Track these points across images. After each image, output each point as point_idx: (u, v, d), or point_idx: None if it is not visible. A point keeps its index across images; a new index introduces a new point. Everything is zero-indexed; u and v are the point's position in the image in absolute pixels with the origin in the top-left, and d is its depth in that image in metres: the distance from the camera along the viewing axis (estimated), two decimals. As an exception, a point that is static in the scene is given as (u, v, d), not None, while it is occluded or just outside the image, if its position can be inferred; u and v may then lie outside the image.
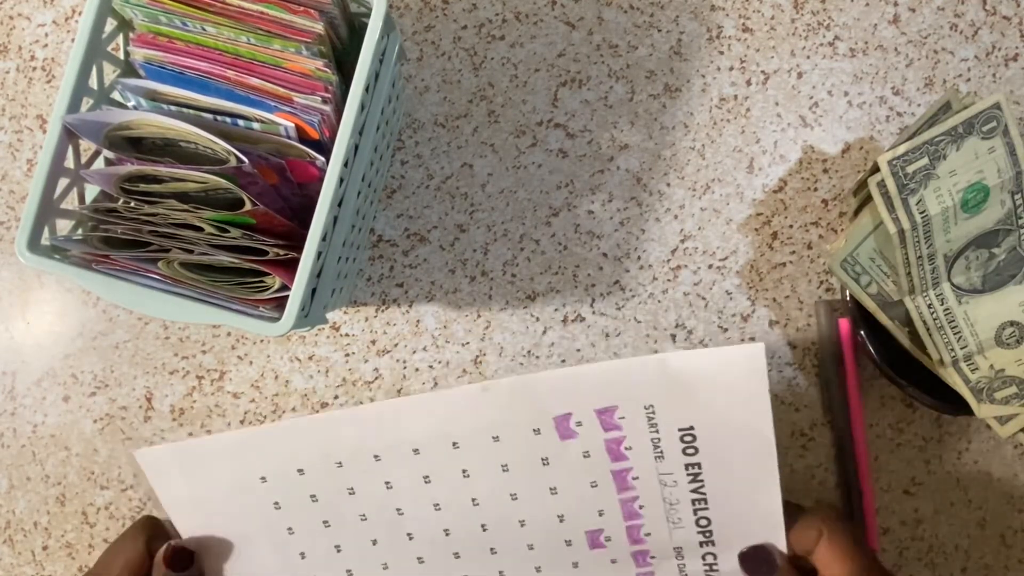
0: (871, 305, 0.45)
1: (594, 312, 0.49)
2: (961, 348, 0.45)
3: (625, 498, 0.42)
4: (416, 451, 0.41)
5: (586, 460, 0.41)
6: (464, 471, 0.42)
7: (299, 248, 0.34)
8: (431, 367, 0.50)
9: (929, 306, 0.45)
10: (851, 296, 0.46)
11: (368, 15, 0.35)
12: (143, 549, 0.41)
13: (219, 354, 0.50)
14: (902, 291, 0.44)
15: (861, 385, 0.49)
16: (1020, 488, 0.49)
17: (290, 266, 0.35)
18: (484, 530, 0.42)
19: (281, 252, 0.35)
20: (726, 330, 0.49)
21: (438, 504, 0.42)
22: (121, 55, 0.38)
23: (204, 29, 0.35)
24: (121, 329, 0.50)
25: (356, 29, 0.40)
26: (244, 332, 0.50)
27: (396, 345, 0.50)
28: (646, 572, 0.43)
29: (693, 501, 0.41)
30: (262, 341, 0.50)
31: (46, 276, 0.50)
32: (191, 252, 0.35)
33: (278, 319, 0.34)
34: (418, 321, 0.50)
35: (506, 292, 0.50)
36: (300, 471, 0.42)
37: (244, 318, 0.34)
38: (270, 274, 0.35)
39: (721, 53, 0.50)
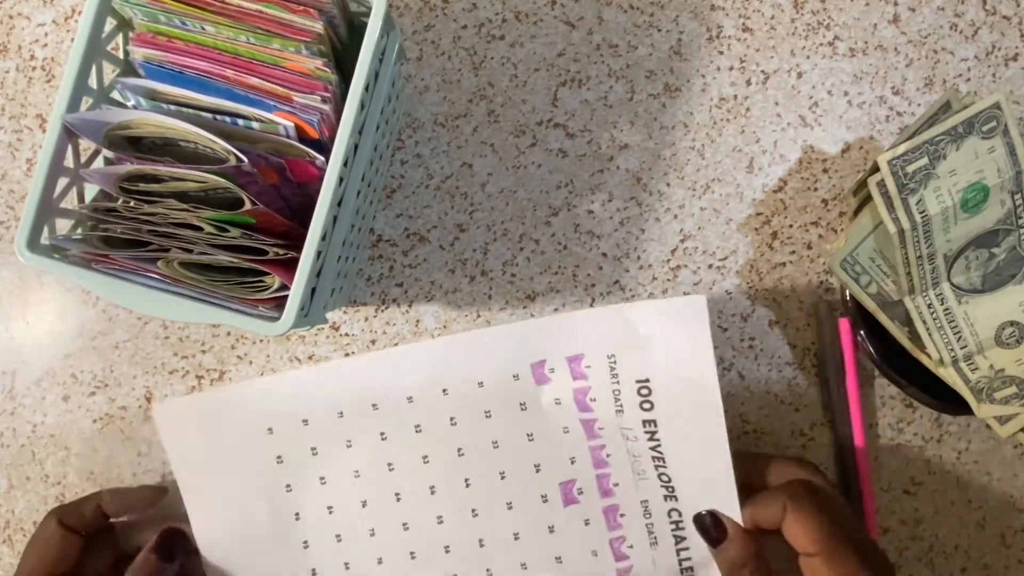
0: (871, 305, 0.45)
1: (594, 312, 0.49)
2: (961, 348, 0.45)
3: (594, 445, 0.44)
4: (410, 399, 0.44)
5: (558, 406, 0.44)
6: (452, 419, 0.44)
7: (299, 248, 0.34)
8: (431, 367, 0.50)
9: (929, 306, 0.45)
10: (851, 296, 0.46)
11: (368, 14, 0.35)
12: (56, 530, 0.42)
13: (219, 354, 0.50)
14: (902, 291, 0.44)
15: (861, 385, 0.49)
16: (1020, 488, 0.49)
17: (290, 266, 0.35)
18: (467, 485, 0.45)
19: (281, 252, 0.35)
20: (726, 330, 0.49)
21: (426, 457, 0.45)
22: (121, 54, 0.38)
23: (203, 28, 0.35)
24: (121, 329, 0.50)
25: (356, 28, 0.40)
26: (244, 332, 0.50)
27: (396, 345, 0.50)
28: (618, 537, 0.45)
29: (653, 458, 0.43)
30: (262, 341, 0.50)
31: (46, 276, 0.50)
32: (191, 252, 0.35)
33: (278, 319, 0.34)
34: (418, 321, 0.50)
35: (506, 292, 0.50)
36: (304, 421, 0.44)
37: (244, 318, 0.34)
38: (270, 274, 0.35)
39: (721, 53, 0.50)
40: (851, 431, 0.48)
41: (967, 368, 0.45)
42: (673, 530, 0.44)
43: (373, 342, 0.50)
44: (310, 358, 0.50)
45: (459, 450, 0.45)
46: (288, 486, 0.45)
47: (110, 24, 0.36)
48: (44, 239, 0.35)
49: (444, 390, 0.44)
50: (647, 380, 0.42)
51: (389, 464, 0.45)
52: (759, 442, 0.49)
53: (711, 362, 0.41)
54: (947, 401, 0.45)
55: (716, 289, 0.49)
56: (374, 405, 0.44)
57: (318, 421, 0.44)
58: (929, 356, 0.45)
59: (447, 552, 0.45)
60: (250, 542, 0.44)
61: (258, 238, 0.35)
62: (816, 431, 0.49)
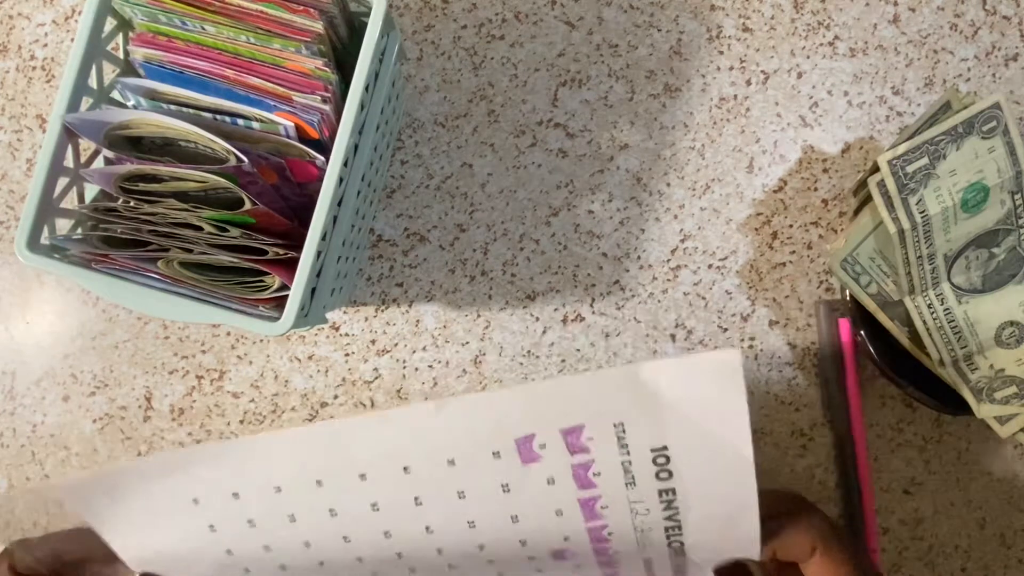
0: (871, 305, 0.45)
1: (594, 312, 0.49)
2: (961, 348, 0.45)
3: (593, 527, 0.39)
4: (363, 476, 0.38)
5: (550, 487, 0.37)
6: (416, 499, 0.38)
7: (299, 247, 0.34)
8: (431, 367, 0.50)
9: (929, 306, 0.45)
10: (851, 296, 0.46)
11: (368, 14, 0.35)
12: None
13: (219, 354, 0.50)
14: (902, 291, 0.44)
15: (861, 385, 0.49)
16: (1020, 488, 0.49)
17: (290, 265, 0.35)
18: (440, 553, 0.39)
19: (281, 251, 0.35)
20: (726, 330, 0.49)
21: (388, 532, 0.39)
22: (121, 54, 0.38)
23: (204, 28, 0.35)
24: (121, 329, 0.50)
25: (356, 28, 0.40)
26: (244, 332, 0.50)
27: (396, 345, 0.50)
28: (611, 574, 0.41)
29: (666, 529, 0.38)
30: (262, 341, 0.50)
31: (46, 276, 0.50)
32: (191, 251, 0.35)
33: (278, 318, 0.34)
34: (418, 321, 0.50)
35: (506, 292, 0.50)
36: (235, 495, 0.38)
37: (244, 317, 0.34)
38: (270, 273, 0.35)
39: (721, 53, 0.50)
40: (851, 431, 0.48)
41: (967, 368, 0.45)
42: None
43: (373, 342, 0.50)
44: (310, 358, 0.50)
45: (427, 527, 0.38)
46: (229, 551, 0.39)
47: (110, 24, 0.36)
48: (44, 239, 0.35)
49: (405, 468, 0.37)
50: (664, 448, 0.36)
51: (345, 537, 0.39)
52: (759, 442, 0.49)
53: (745, 425, 0.34)
54: (947, 401, 0.45)
55: (716, 289, 0.49)
56: (318, 482, 0.38)
57: (250, 496, 0.38)
58: (929, 356, 0.45)
59: None
60: None
61: (258, 238, 0.35)
62: (816, 431, 0.49)
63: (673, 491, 0.37)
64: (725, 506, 0.37)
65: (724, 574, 0.39)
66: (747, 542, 0.37)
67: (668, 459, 0.36)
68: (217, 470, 0.37)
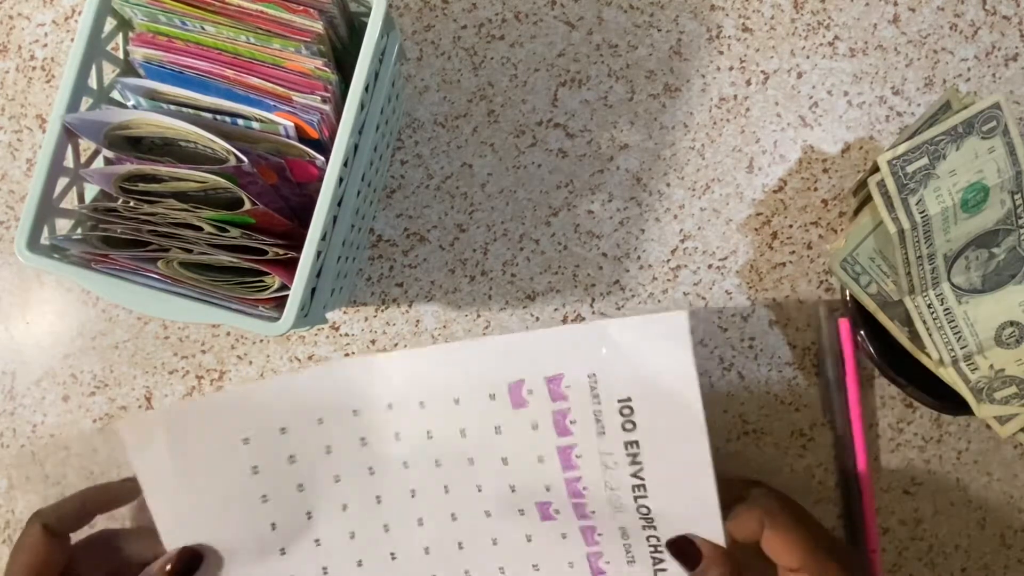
0: (871, 305, 0.45)
1: (594, 312, 0.49)
2: (961, 348, 0.45)
3: (569, 477, 0.43)
4: (389, 406, 0.43)
5: (534, 432, 0.42)
6: (428, 432, 0.43)
7: (299, 248, 0.34)
8: (431, 367, 0.50)
9: (929, 306, 0.45)
10: (851, 296, 0.46)
11: (368, 14, 0.35)
12: (40, 536, 0.41)
13: (219, 354, 0.50)
14: (902, 291, 0.44)
15: (861, 385, 0.49)
16: (1020, 488, 0.49)
17: (290, 266, 0.35)
18: (447, 492, 0.44)
19: (281, 252, 0.35)
20: (726, 330, 0.49)
21: (406, 463, 0.44)
22: (120, 54, 0.38)
23: (203, 28, 0.35)
24: (120, 329, 0.50)
25: (356, 28, 0.40)
26: (244, 332, 0.50)
27: (396, 345, 0.50)
28: (595, 552, 0.44)
29: (633, 487, 0.42)
30: (262, 341, 0.50)
31: (46, 276, 0.50)
32: (190, 251, 0.35)
33: (278, 319, 0.34)
34: (418, 321, 0.50)
35: (506, 292, 0.50)
36: (282, 430, 0.43)
37: (244, 318, 0.34)
38: (270, 273, 0.35)
39: (721, 53, 0.50)
40: (851, 431, 0.48)
41: (967, 368, 0.45)
42: (651, 552, 0.43)
43: (373, 342, 0.50)
44: (310, 358, 0.50)
45: (437, 461, 0.44)
46: (264, 496, 0.43)
47: (110, 24, 0.36)
48: (44, 239, 0.35)
49: (421, 403, 0.43)
50: (629, 399, 0.41)
51: (370, 468, 0.44)
52: (759, 442, 0.49)
53: (694, 381, 0.40)
54: (947, 401, 0.45)
55: (716, 289, 0.49)
56: (355, 411, 0.43)
57: (296, 428, 0.43)
58: (929, 356, 0.45)
59: (427, 553, 0.45)
60: (226, 555, 0.43)
61: (258, 238, 0.35)
62: (816, 431, 0.49)
63: (637, 443, 0.41)
64: (683, 462, 0.40)
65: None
66: (706, 506, 0.40)
67: (632, 410, 0.41)
68: (270, 405, 0.42)
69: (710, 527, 0.41)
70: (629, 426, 0.41)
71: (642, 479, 0.42)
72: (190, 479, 0.43)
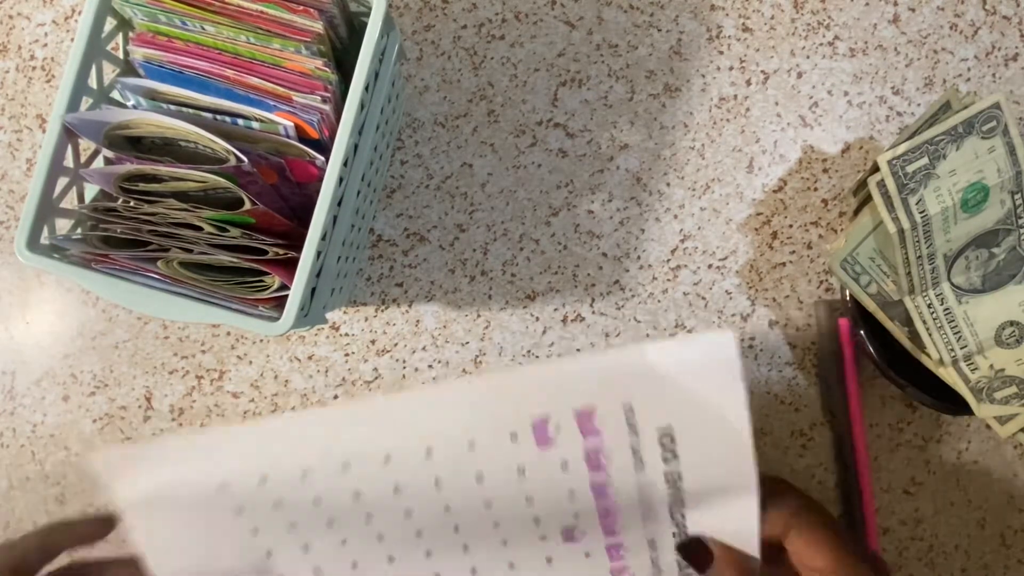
0: (871, 305, 0.45)
1: (594, 312, 0.49)
2: (961, 348, 0.45)
3: (603, 506, 0.40)
4: (387, 458, 0.39)
5: (564, 473, 0.39)
6: (436, 480, 0.39)
7: (299, 247, 0.34)
8: (431, 367, 0.50)
9: (929, 306, 0.45)
10: (851, 296, 0.46)
11: (368, 14, 0.35)
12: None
13: (218, 354, 0.50)
14: (902, 291, 0.44)
15: (861, 385, 0.49)
16: (1020, 488, 0.49)
17: (290, 265, 0.35)
18: (456, 531, 0.41)
19: (280, 251, 0.35)
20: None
21: (409, 511, 0.40)
22: (121, 54, 0.38)
23: (203, 28, 0.35)
24: (120, 329, 0.50)
25: (356, 28, 0.40)
26: (244, 332, 0.50)
27: (396, 345, 0.50)
28: (619, 567, 0.42)
29: (670, 506, 0.40)
30: (261, 341, 0.50)
31: (46, 276, 0.50)
32: (190, 251, 0.35)
33: (278, 318, 0.34)
34: (418, 321, 0.50)
35: (506, 292, 0.50)
36: (263, 479, 0.39)
37: (244, 317, 0.34)
38: (270, 273, 0.35)
39: (721, 53, 0.50)
40: (851, 431, 0.48)
41: (967, 368, 0.45)
42: (678, 561, 0.42)
43: (373, 342, 0.50)
44: (310, 358, 0.50)
45: (446, 507, 0.40)
46: (255, 529, 0.40)
47: (110, 24, 0.36)
48: (44, 239, 0.35)
49: (428, 450, 0.39)
50: (669, 427, 0.38)
51: (368, 515, 0.40)
52: (759, 442, 0.49)
53: (744, 410, 0.36)
54: (947, 401, 0.45)
55: (716, 289, 0.49)
56: (345, 464, 0.39)
57: (278, 478, 0.39)
58: (929, 356, 0.45)
59: None
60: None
61: (258, 238, 0.35)
62: (816, 431, 0.49)
63: (679, 475, 0.38)
64: (726, 486, 0.38)
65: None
66: (746, 531, 0.39)
67: (673, 440, 0.38)
68: (249, 453, 0.38)
69: (748, 547, 0.40)
70: (668, 456, 0.38)
71: (682, 500, 0.39)
72: (173, 513, 0.39)
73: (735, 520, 0.39)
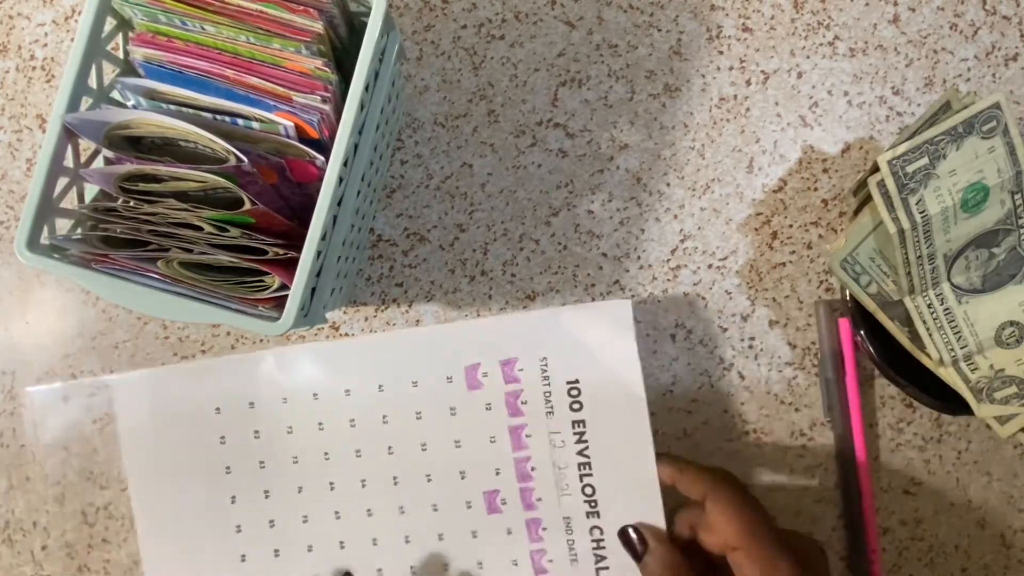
0: (871, 305, 0.45)
1: (594, 312, 0.49)
2: (961, 348, 0.45)
3: (519, 457, 0.46)
4: (347, 392, 0.46)
5: (487, 412, 0.46)
6: (384, 416, 0.46)
7: (298, 247, 0.34)
8: (431, 367, 0.50)
9: (929, 306, 0.45)
10: (851, 296, 0.46)
11: (368, 14, 0.35)
12: None
13: (218, 353, 0.50)
14: (902, 291, 0.44)
15: (861, 385, 0.49)
16: (1020, 488, 0.49)
17: (289, 265, 0.35)
18: (395, 484, 0.46)
19: (280, 251, 0.35)
20: (726, 330, 0.49)
21: (359, 451, 0.46)
22: (120, 54, 0.38)
23: (203, 28, 0.35)
24: (121, 329, 0.50)
25: (356, 28, 0.40)
26: (243, 331, 0.50)
27: (396, 345, 0.50)
28: (538, 549, 0.46)
29: (579, 465, 0.45)
30: (261, 340, 0.50)
31: (46, 276, 0.50)
32: (190, 251, 0.35)
33: (277, 318, 0.34)
34: (418, 321, 0.50)
35: (506, 292, 0.50)
36: (251, 404, 0.46)
37: (243, 317, 0.34)
38: (269, 273, 0.35)
39: (721, 53, 0.50)
40: (851, 431, 0.48)
41: (967, 368, 0.45)
42: (594, 548, 0.45)
43: (373, 342, 0.50)
44: (310, 358, 0.50)
45: (389, 448, 0.46)
46: (228, 468, 0.46)
47: (110, 24, 0.36)
48: (44, 239, 0.35)
49: (380, 386, 0.46)
50: (577, 381, 0.45)
51: (325, 454, 0.46)
52: (759, 442, 0.49)
53: (637, 367, 0.44)
54: (947, 401, 0.45)
55: (716, 289, 0.49)
56: (315, 395, 0.46)
57: (263, 405, 0.46)
58: (929, 356, 0.45)
59: (375, 545, 0.46)
60: (187, 523, 0.46)
61: (258, 238, 0.35)
62: (816, 431, 0.49)
63: (584, 423, 0.45)
64: (626, 444, 0.44)
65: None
66: (648, 490, 0.44)
67: (579, 391, 0.45)
68: (242, 378, 0.46)
69: (651, 507, 0.44)
70: (576, 406, 0.45)
71: (587, 457, 0.45)
72: (165, 438, 0.46)
73: (638, 485, 0.44)
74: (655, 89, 0.50)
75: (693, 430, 0.49)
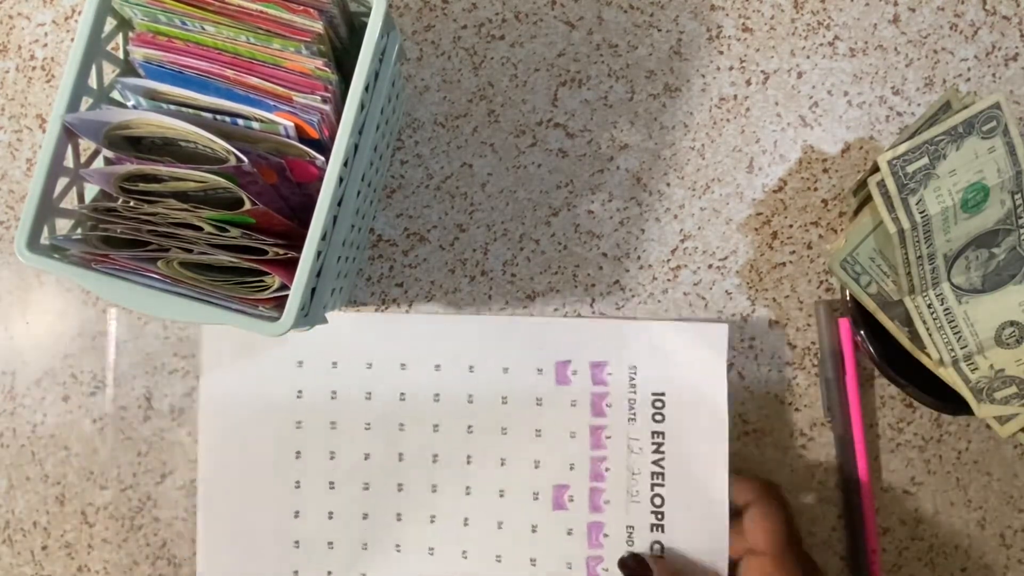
0: (871, 305, 0.45)
1: (594, 312, 0.49)
2: (961, 348, 0.45)
3: (596, 456, 0.46)
4: (437, 367, 0.47)
5: (572, 409, 0.46)
6: (470, 396, 0.47)
7: (299, 247, 0.34)
8: (431, 367, 0.50)
9: (929, 306, 0.45)
10: (851, 296, 0.46)
11: (368, 14, 0.35)
12: None
13: (219, 354, 0.50)
14: (902, 291, 0.44)
15: (861, 385, 0.49)
16: (1020, 488, 0.49)
17: (290, 266, 0.35)
18: (468, 462, 0.47)
19: (281, 251, 0.35)
20: (726, 330, 0.49)
21: (437, 426, 0.47)
22: (121, 54, 0.38)
23: (203, 28, 0.35)
24: (121, 329, 0.50)
25: (356, 28, 0.40)
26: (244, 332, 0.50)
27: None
28: (595, 556, 0.46)
29: (652, 474, 0.46)
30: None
31: (46, 276, 0.50)
32: (190, 251, 0.35)
33: (278, 319, 0.34)
34: (418, 321, 0.50)
35: (506, 292, 0.50)
36: (334, 364, 0.47)
37: (243, 318, 0.34)
38: (270, 273, 0.35)
39: (721, 53, 0.50)
40: (851, 431, 0.48)
41: (967, 368, 0.45)
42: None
43: (373, 342, 0.50)
44: (310, 358, 0.50)
45: (469, 427, 0.46)
46: (299, 423, 0.46)
47: (110, 24, 0.36)
48: (44, 239, 0.35)
49: (471, 367, 0.47)
50: (663, 394, 0.45)
51: (401, 424, 0.46)
52: (759, 442, 0.49)
53: (724, 387, 0.45)
54: (947, 401, 0.45)
55: (716, 289, 0.49)
56: (403, 364, 0.47)
57: (346, 366, 0.47)
58: (929, 356, 0.45)
59: (432, 522, 0.46)
60: (248, 472, 0.46)
61: (258, 238, 0.35)
62: (816, 431, 0.49)
63: (663, 434, 0.45)
64: (702, 461, 0.45)
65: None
66: (716, 511, 0.44)
67: (664, 404, 0.46)
68: (328, 338, 0.46)
69: (716, 531, 0.44)
70: (659, 418, 0.45)
71: (662, 467, 0.45)
72: (243, 386, 0.47)
73: (707, 504, 0.45)
74: (655, 89, 0.50)
75: (693, 430, 0.49)
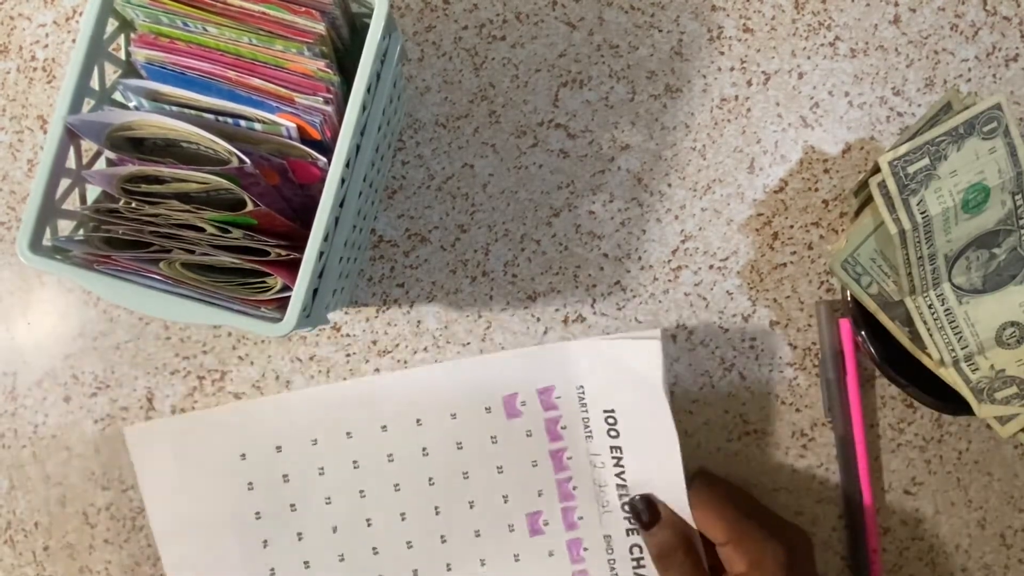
0: (872, 305, 0.45)
1: (595, 312, 0.49)
2: (962, 348, 0.45)
3: (561, 478, 0.47)
4: (384, 428, 0.46)
5: (528, 439, 0.47)
6: (424, 449, 0.46)
7: (301, 248, 0.34)
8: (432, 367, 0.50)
9: (930, 306, 0.45)
10: (852, 296, 0.46)
11: (370, 15, 0.35)
12: None
13: (220, 354, 0.50)
14: (903, 291, 0.45)
15: (861, 385, 0.49)
16: (1020, 488, 0.50)
17: (292, 267, 0.35)
18: (437, 513, 0.46)
19: (283, 253, 0.35)
20: (727, 330, 0.49)
21: (398, 485, 0.46)
22: (122, 55, 0.38)
23: (205, 29, 0.35)
24: (122, 329, 0.50)
25: (358, 29, 0.40)
26: (245, 332, 0.50)
27: (397, 346, 0.50)
28: (580, 570, 0.47)
29: (618, 486, 0.46)
30: (263, 341, 0.50)
31: (47, 276, 0.50)
32: (192, 253, 0.35)
33: (280, 320, 0.34)
34: (419, 321, 0.50)
35: (507, 292, 0.50)
36: (278, 448, 0.46)
37: (246, 319, 0.34)
38: (272, 275, 0.35)
39: (722, 53, 0.50)
40: (852, 431, 0.48)
41: (968, 368, 0.45)
42: (634, 567, 0.46)
43: (374, 343, 0.50)
44: (311, 359, 0.50)
45: (430, 479, 0.46)
46: (258, 514, 0.46)
47: (112, 25, 0.36)
48: (46, 240, 0.35)
49: (418, 420, 0.46)
50: (612, 410, 0.45)
51: (361, 491, 0.46)
52: (760, 442, 0.49)
53: (664, 400, 0.44)
54: (948, 401, 0.46)
55: (717, 289, 0.49)
56: (348, 433, 0.46)
57: (292, 448, 0.46)
58: (930, 356, 0.45)
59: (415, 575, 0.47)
60: (217, 568, 0.46)
61: (260, 239, 0.35)
62: (816, 431, 0.49)
63: (621, 449, 0.46)
64: (659, 472, 0.45)
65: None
66: (679, 504, 0.44)
67: (616, 420, 0.45)
68: (268, 423, 0.46)
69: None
70: (613, 433, 0.46)
71: (625, 481, 0.46)
72: (189, 490, 0.45)
73: (667, 496, 0.45)
74: (656, 90, 0.50)
75: (694, 430, 0.49)
